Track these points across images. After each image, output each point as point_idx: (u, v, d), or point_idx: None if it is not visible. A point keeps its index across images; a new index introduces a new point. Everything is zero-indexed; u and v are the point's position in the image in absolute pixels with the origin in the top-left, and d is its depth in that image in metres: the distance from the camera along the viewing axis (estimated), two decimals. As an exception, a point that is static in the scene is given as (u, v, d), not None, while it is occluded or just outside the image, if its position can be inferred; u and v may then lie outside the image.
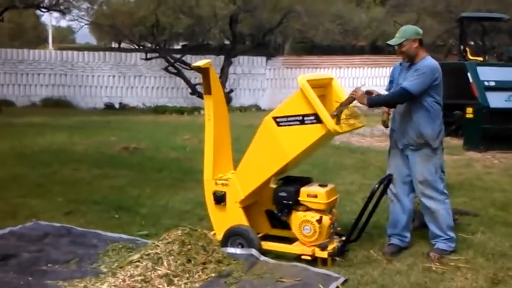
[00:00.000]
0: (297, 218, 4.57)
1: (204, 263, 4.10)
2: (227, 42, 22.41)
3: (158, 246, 4.14)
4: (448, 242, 4.77)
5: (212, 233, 4.68)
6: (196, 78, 19.04)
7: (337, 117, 4.39)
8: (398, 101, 4.74)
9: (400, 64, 4.96)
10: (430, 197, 4.76)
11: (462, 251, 4.83)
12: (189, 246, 4.17)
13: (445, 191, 4.83)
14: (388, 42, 4.89)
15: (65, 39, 46.18)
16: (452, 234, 4.82)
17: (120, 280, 3.83)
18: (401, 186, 4.88)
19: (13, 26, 26.69)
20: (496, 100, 11.18)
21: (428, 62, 4.71)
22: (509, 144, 10.75)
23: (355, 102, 4.62)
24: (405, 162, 4.84)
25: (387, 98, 4.80)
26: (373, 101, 4.68)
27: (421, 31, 4.82)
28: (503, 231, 5.42)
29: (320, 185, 4.67)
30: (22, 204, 6.21)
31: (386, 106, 4.95)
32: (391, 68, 5.21)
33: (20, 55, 21.15)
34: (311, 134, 4.40)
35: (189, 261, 4.05)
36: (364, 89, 4.66)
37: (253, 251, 4.45)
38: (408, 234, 4.93)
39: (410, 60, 4.75)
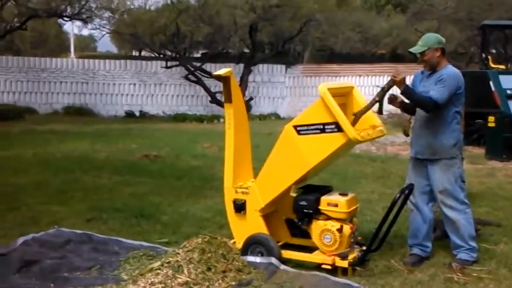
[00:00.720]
0: (317, 227, 4.56)
1: (224, 272, 4.10)
2: (247, 50, 22.46)
3: (178, 254, 4.15)
4: (470, 252, 4.72)
5: (232, 241, 4.69)
6: (216, 86, 19.11)
7: (379, 103, 4.46)
8: (423, 106, 4.62)
9: (422, 72, 4.92)
10: (450, 206, 4.71)
11: (485, 261, 4.77)
12: (209, 255, 4.17)
13: (466, 201, 4.78)
14: (410, 49, 4.84)
15: (86, 47, 46.71)
16: (474, 244, 4.76)
17: (141, 287, 3.85)
18: (420, 196, 4.84)
19: (36, 34, 26.99)
20: (519, 109, 11.06)
21: (452, 70, 4.68)
22: (532, 153, 10.61)
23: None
24: (424, 172, 4.80)
25: (418, 97, 4.61)
26: (408, 90, 4.59)
27: (443, 40, 4.78)
28: (527, 242, 5.35)
29: (340, 194, 4.65)
30: (44, 210, 6.29)
31: (413, 103, 4.75)
32: (412, 76, 5.16)
33: (43, 63, 21.42)
34: (332, 142, 4.39)
35: (209, 269, 4.06)
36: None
37: (273, 260, 4.44)
38: (429, 244, 4.89)
39: (432, 68, 4.72)
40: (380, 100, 4.48)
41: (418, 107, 4.71)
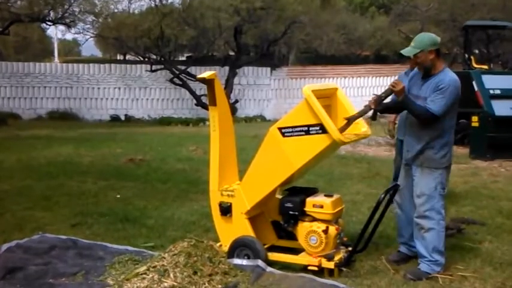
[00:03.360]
0: (303, 228, 4.56)
1: (210, 275, 4.09)
2: (232, 53, 22.49)
3: (164, 258, 4.14)
4: (432, 265, 4.46)
5: (218, 244, 4.67)
6: (201, 89, 19.11)
7: (374, 111, 4.41)
8: (420, 117, 4.40)
9: (406, 73, 4.88)
10: (424, 215, 4.47)
11: (470, 260, 4.80)
12: (195, 258, 4.16)
13: (442, 211, 4.51)
14: (402, 51, 4.53)
15: (70, 51, 46.55)
16: (438, 257, 4.46)
17: (127, 292, 3.83)
18: (409, 199, 4.68)
19: (19, 39, 26.83)
20: (502, 108, 11.16)
21: (452, 78, 4.38)
22: (516, 152, 10.71)
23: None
24: (410, 174, 4.77)
25: (416, 108, 4.39)
26: (407, 100, 4.38)
27: (438, 40, 4.48)
28: (511, 240, 5.39)
29: (326, 195, 4.66)
30: (29, 216, 6.23)
31: (409, 112, 4.53)
32: (396, 77, 5.14)
33: (26, 68, 21.28)
34: (316, 144, 4.39)
35: (195, 273, 4.04)
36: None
37: (260, 262, 4.43)
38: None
39: (426, 71, 4.45)
40: (376, 108, 4.41)
41: (414, 117, 4.47)
